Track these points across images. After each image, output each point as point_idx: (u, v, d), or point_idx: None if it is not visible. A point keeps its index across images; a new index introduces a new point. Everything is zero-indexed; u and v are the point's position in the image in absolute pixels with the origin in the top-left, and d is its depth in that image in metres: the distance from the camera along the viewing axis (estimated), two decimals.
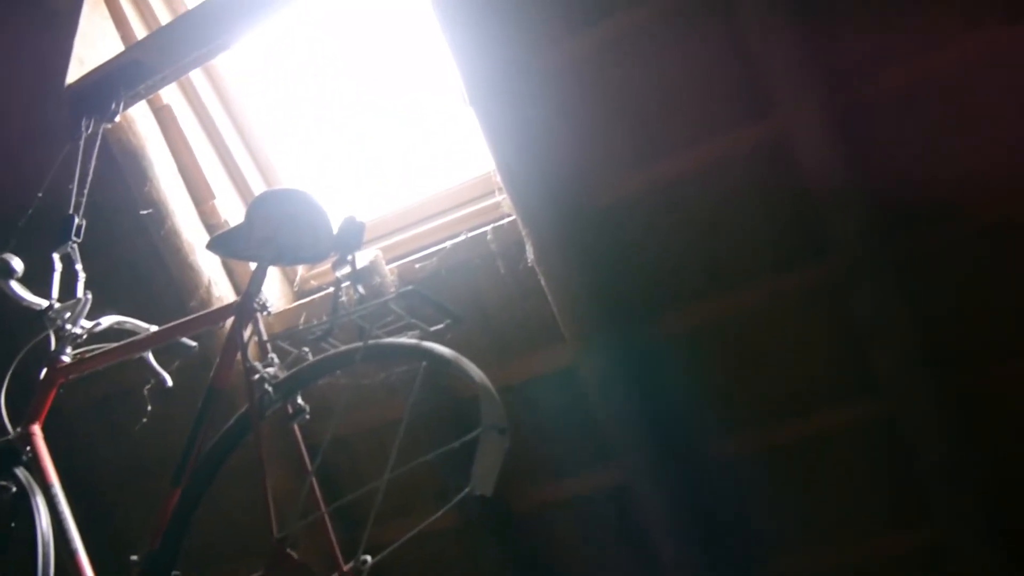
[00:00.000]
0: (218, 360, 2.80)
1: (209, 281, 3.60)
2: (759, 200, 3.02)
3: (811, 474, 3.26)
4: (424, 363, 2.53)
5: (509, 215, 3.21)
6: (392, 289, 3.34)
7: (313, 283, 3.76)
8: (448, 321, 2.68)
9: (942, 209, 2.86)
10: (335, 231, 2.68)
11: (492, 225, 3.28)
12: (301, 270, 3.80)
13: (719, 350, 3.20)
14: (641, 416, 3.23)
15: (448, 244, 3.35)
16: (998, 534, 3.05)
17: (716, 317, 3.16)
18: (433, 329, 2.66)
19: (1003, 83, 2.72)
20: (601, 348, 3.17)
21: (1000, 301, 2.89)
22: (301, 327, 3.29)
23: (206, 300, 3.56)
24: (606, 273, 3.17)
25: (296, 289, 3.79)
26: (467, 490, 2.12)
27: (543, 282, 3.14)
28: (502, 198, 3.24)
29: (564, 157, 3.12)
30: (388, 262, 3.46)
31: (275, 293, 3.72)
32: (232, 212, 3.72)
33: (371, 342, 2.60)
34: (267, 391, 2.65)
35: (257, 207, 2.77)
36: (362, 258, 3.24)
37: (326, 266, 3.64)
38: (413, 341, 2.58)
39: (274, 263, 2.82)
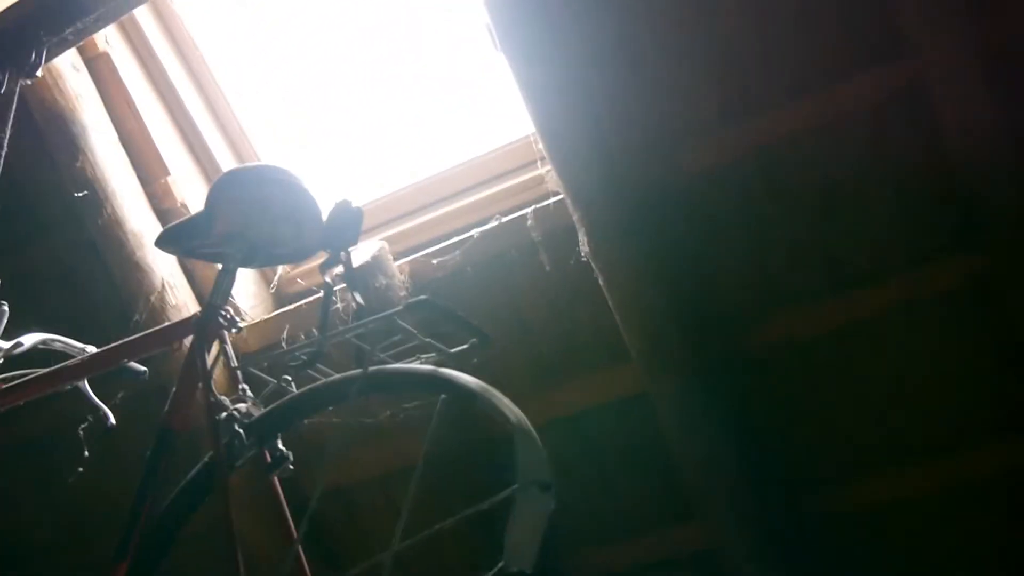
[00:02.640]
0: (174, 392, 2.81)
1: (163, 285, 3.64)
2: (887, 170, 3.05)
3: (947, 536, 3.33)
4: (443, 396, 2.55)
5: (555, 193, 3.26)
6: (402, 294, 3.40)
7: (300, 284, 3.84)
8: (473, 340, 2.70)
9: None
10: (324, 220, 2.72)
11: (533, 207, 3.33)
12: (282, 268, 3.86)
13: (834, 371, 3.26)
14: (731, 458, 3.29)
15: (475, 233, 3.41)
16: None
17: (830, 327, 3.22)
18: (454, 351, 2.70)
19: None
20: (679, 369, 3.22)
21: None
22: (282, 348, 3.34)
23: (159, 311, 3.62)
24: (686, 269, 3.20)
25: (275, 292, 3.88)
26: (499, 566, 2.10)
27: (601, 282, 3.17)
28: (546, 171, 3.29)
29: (626, 115, 3.15)
30: (397, 257, 3.50)
31: (248, 298, 3.77)
32: (192, 194, 3.77)
33: (373, 369, 2.62)
34: (238, 434, 2.66)
35: (221, 190, 2.79)
36: (360, 254, 3.29)
37: (316, 262, 3.58)
38: (428, 368, 2.62)
39: (245, 264, 2.86)
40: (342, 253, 2.71)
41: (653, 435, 3.35)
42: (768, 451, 3.33)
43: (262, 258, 2.87)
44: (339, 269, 2.74)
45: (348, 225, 2.72)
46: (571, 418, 3.49)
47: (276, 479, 2.79)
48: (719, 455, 3.28)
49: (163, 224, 3.62)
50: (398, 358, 2.72)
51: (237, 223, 2.77)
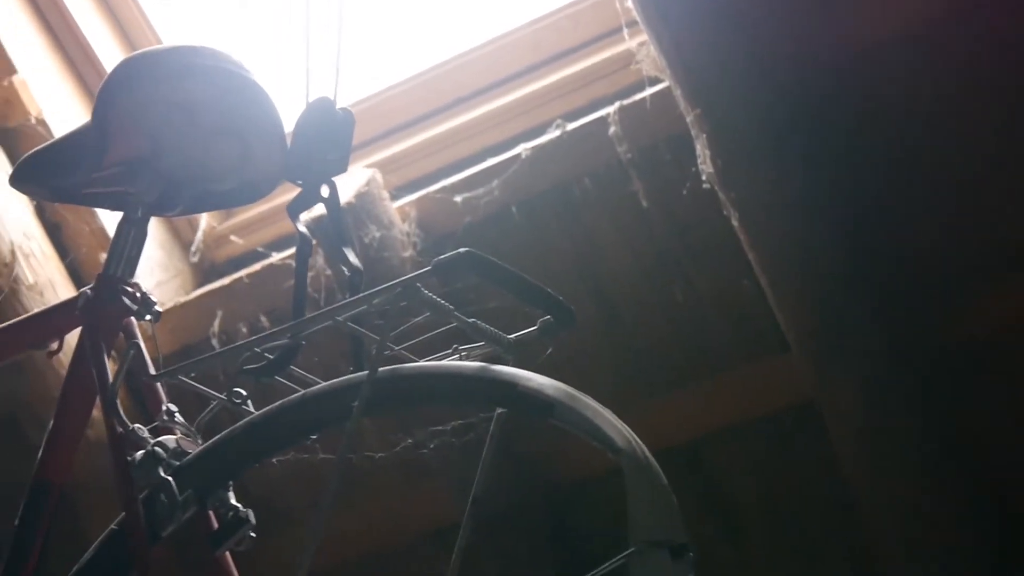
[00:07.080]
0: (52, 423, 2.77)
1: (12, 254, 3.67)
2: None
3: None
4: (500, 411, 2.50)
5: (656, 80, 3.29)
6: (406, 253, 3.43)
7: (236, 243, 3.88)
8: (545, 319, 2.58)
9: None
10: (290, 134, 2.68)
11: (617, 104, 3.38)
12: (206, 221, 3.89)
13: None
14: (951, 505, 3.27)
15: (524, 150, 3.44)
16: None
17: None
18: (514, 337, 2.60)
19: None
20: (868, 365, 3.22)
21: None
22: (213, 347, 3.40)
23: (9, 289, 3.67)
24: (882, 204, 3.22)
25: (198, 259, 3.90)
26: None
27: (736, 223, 3.17)
28: (638, 43, 3.33)
29: None
30: (396, 194, 3.55)
31: (152, 271, 3.80)
32: (56, 102, 3.84)
33: (385, 371, 2.53)
34: (165, 483, 2.59)
35: (117, 92, 2.73)
36: (346, 187, 3.29)
37: (262, 208, 3.73)
38: (475, 365, 2.51)
39: (160, 210, 2.82)
40: (323, 185, 2.65)
41: (823, 475, 3.37)
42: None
43: (188, 199, 2.81)
44: (315, 211, 2.72)
45: (331, 139, 2.66)
46: (684, 450, 3.50)
47: (228, 556, 2.73)
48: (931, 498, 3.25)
49: (7, 152, 3.67)
50: (422, 353, 2.64)
51: (144, 144, 2.72)
